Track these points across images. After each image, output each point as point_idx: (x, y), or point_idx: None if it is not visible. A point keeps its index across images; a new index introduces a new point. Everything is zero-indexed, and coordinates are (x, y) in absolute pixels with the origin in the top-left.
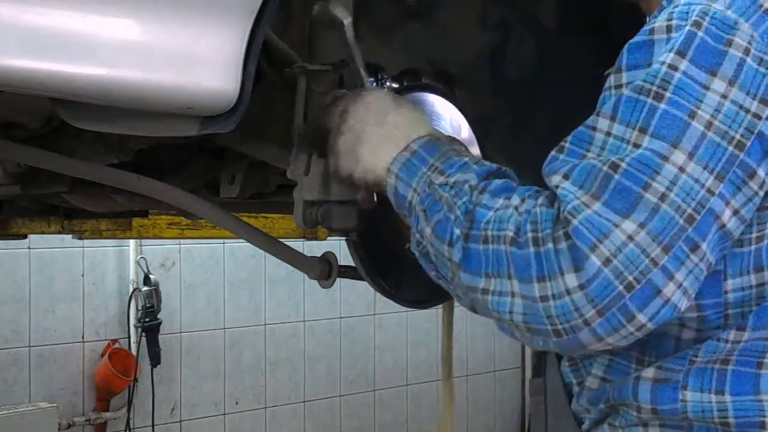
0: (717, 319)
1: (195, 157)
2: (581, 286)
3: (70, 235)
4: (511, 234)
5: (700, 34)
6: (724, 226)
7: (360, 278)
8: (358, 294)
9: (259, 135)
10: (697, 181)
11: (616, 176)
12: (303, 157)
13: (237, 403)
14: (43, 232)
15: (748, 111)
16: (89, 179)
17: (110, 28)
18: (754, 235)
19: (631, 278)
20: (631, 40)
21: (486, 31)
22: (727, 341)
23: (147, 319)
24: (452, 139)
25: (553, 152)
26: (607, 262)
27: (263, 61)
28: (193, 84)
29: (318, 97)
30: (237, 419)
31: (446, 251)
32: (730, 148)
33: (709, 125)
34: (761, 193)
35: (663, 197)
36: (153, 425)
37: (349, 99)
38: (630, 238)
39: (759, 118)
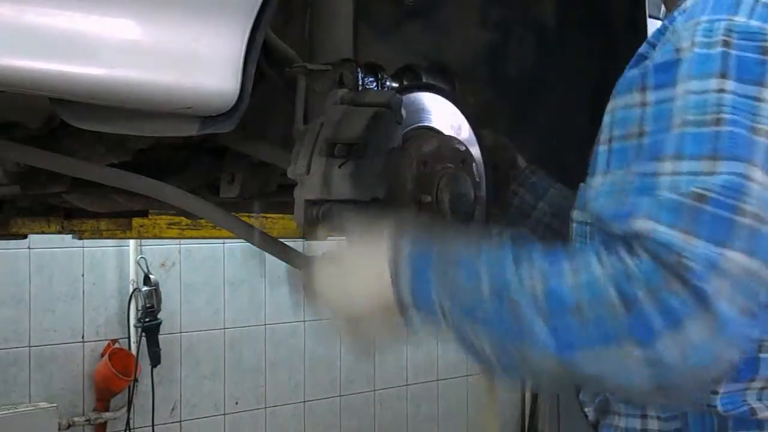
0: None
1: (195, 157)
2: (716, 330)
3: (70, 235)
4: (615, 300)
5: (733, 52)
6: None
7: None
8: None
9: (259, 135)
10: None
11: (708, 207)
12: (304, 156)
13: (237, 403)
14: (43, 232)
15: None
16: (89, 179)
17: (110, 28)
18: None
19: (755, 309)
20: (657, 61)
21: (486, 30)
22: None
23: (147, 319)
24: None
25: (608, 202)
26: (731, 301)
27: (263, 61)
28: (193, 84)
29: (318, 96)
30: (237, 419)
31: (535, 354)
32: None
33: None
34: None
35: (758, 218)
36: (153, 425)
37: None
38: (745, 270)
39: None
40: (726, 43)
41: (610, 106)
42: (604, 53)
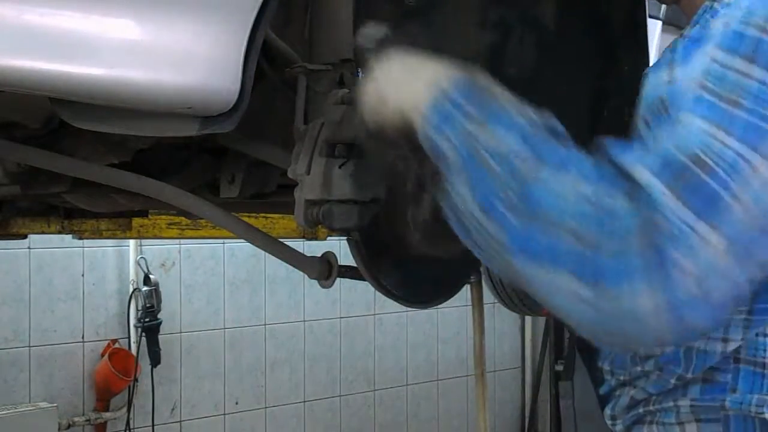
0: None
1: (195, 157)
2: (662, 311)
3: (70, 235)
4: (583, 232)
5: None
6: None
7: (360, 278)
8: (358, 294)
9: (259, 135)
10: None
11: (709, 180)
12: (304, 156)
13: (237, 403)
14: (43, 232)
15: None
16: (89, 179)
17: (110, 28)
18: None
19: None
20: (689, 37)
21: (486, 30)
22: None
23: (147, 319)
24: (488, 79)
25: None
26: (698, 285)
27: (263, 61)
28: (193, 84)
29: (318, 96)
30: (237, 419)
31: (493, 230)
32: None
33: None
34: None
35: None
36: (153, 425)
37: (373, 59)
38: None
39: None
40: (763, 30)
41: (642, 94)
42: (604, 53)
